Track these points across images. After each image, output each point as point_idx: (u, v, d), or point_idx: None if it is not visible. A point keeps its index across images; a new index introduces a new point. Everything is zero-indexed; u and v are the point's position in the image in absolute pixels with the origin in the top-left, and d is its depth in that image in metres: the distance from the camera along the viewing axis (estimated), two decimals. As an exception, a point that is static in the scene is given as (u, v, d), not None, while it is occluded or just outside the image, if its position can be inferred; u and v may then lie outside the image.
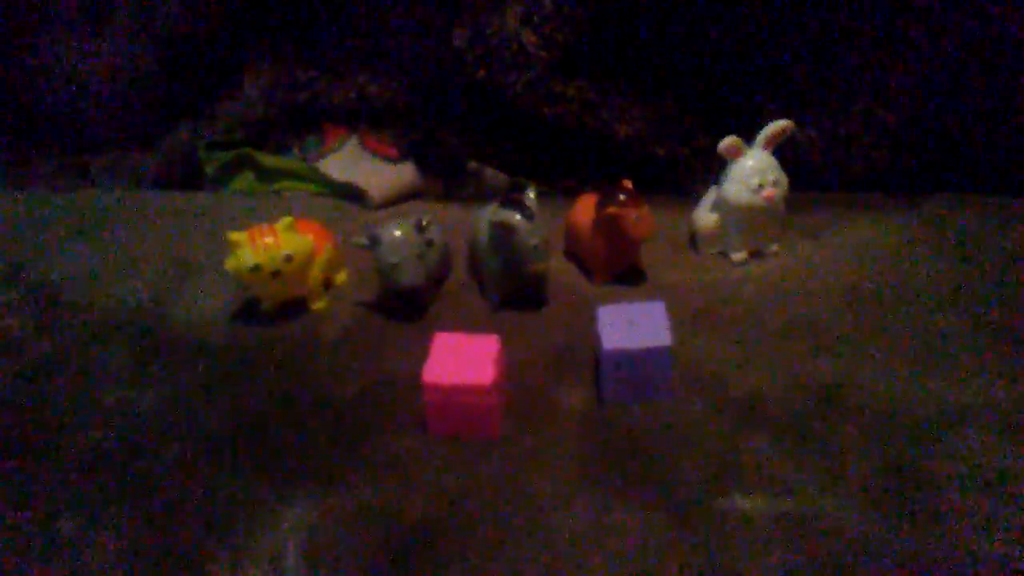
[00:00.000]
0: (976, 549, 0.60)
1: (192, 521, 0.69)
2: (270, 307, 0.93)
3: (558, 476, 0.70)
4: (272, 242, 0.86)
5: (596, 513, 0.66)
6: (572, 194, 1.11)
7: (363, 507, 0.69)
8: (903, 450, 0.69)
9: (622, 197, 0.87)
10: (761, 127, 0.93)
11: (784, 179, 0.92)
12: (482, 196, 1.24)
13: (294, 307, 0.94)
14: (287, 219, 0.87)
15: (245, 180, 1.31)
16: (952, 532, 0.62)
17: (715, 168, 0.95)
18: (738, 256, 0.97)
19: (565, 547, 0.64)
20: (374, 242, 0.86)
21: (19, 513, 0.70)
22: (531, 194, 0.87)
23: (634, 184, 0.90)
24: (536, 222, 0.85)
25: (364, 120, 1.29)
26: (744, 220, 0.94)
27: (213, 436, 0.78)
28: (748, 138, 0.93)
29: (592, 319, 0.78)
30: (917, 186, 1.11)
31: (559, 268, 0.98)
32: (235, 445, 0.77)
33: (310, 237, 0.91)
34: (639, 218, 0.87)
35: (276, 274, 0.87)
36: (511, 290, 0.91)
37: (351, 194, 1.21)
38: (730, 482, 0.67)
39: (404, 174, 1.22)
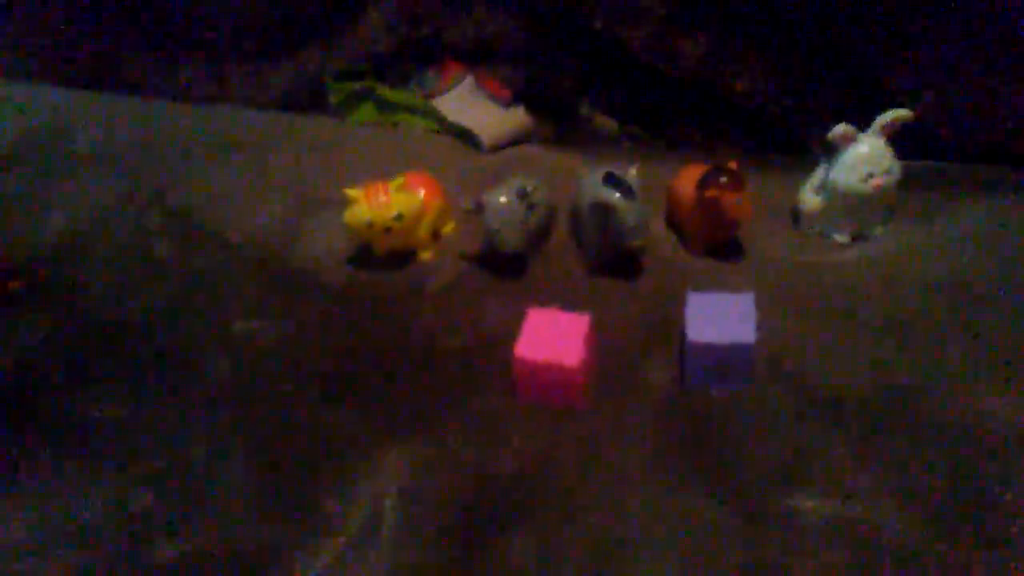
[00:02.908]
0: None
1: (303, 457, 0.78)
2: (381, 253, 1.00)
3: (635, 452, 0.75)
4: (385, 201, 0.92)
5: (667, 493, 0.71)
6: (677, 147, 1.11)
7: (453, 460, 0.76)
8: (975, 470, 0.69)
9: (724, 179, 0.87)
10: (879, 89, 0.88)
11: (897, 167, 0.90)
12: (592, 142, 1.26)
13: (404, 254, 1.00)
14: (399, 179, 0.93)
15: (366, 111, 1.36)
16: (1013, 564, 0.63)
17: (828, 127, 0.91)
18: (841, 238, 0.96)
19: (634, 522, 0.69)
20: (479, 207, 0.90)
21: (159, 439, 0.81)
22: (633, 171, 0.88)
23: (744, 142, 0.88)
24: (636, 201, 0.86)
25: (481, 58, 1.31)
26: (850, 205, 0.93)
27: (324, 376, 0.87)
28: (863, 103, 0.89)
29: (683, 299, 0.80)
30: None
31: (658, 236, 0.99)
32: (343, 386, 0.85)
33: (420, 194, 0.96)
34: (739, 201, 0.87)
35: (387, 230, 0.93)
36: (608, 260, 0.94)
37: (463, 135, 1.25)
38: (798, 482, 0.70)
39: (515, 118, 1.24)
